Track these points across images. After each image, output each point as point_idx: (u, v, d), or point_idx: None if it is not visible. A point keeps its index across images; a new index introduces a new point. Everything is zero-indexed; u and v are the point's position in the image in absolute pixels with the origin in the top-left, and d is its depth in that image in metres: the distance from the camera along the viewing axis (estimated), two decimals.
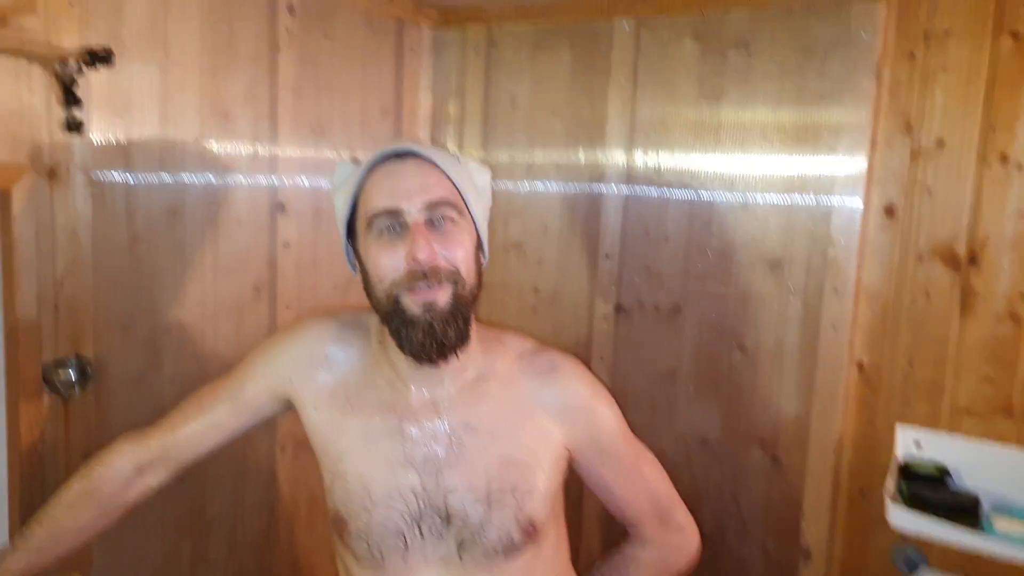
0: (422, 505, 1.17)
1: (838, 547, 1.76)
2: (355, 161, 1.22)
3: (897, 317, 1.67)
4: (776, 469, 1.81)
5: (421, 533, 1.18)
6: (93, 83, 1.38)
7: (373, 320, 1.23)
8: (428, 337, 1.09)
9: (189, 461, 1.30)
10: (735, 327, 1.84)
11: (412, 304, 1.09)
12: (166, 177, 1.53)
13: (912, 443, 1.60)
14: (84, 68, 1.31)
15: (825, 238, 1.71)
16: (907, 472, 1.55)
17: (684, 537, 1.36)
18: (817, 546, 1.76)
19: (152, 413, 1.53)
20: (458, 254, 1.12)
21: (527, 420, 1.21)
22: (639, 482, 1.32)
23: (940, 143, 1.60)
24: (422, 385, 1.19)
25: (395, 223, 1.11)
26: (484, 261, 1.22)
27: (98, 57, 1.30)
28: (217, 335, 1.66)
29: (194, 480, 1.45)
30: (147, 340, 1.53)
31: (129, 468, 1.27)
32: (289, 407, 1.29)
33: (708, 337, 1.87)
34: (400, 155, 1.15)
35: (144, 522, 1.54)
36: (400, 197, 1.11)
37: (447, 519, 1.17)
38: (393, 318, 1.11)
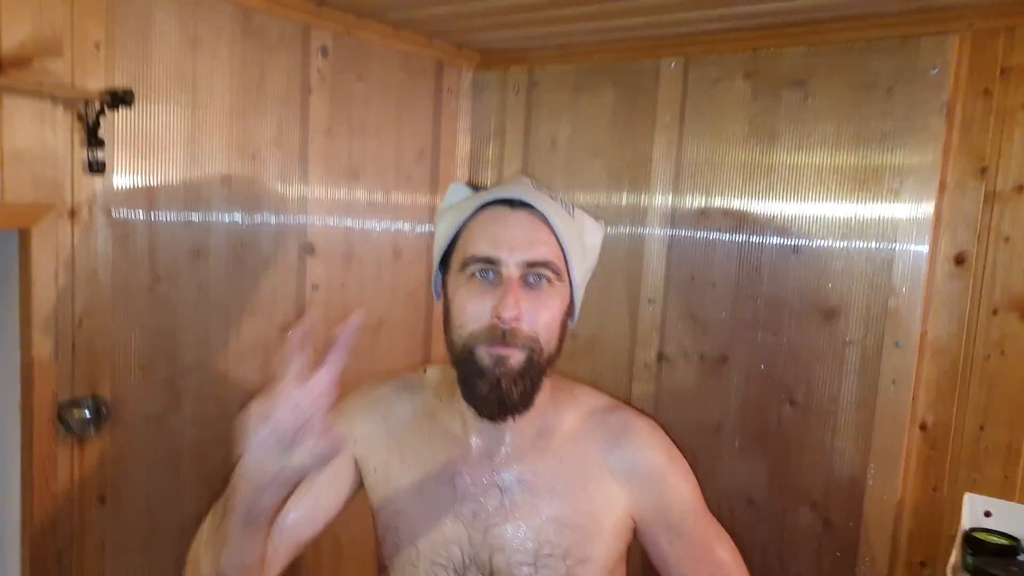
0: (467, 560, 1.12)
1: None
2: (471, 186, 1.19)
3: (967, 374, 1.53)
4: (828, 533, 1.67)
5: None
6: (117, 124, 1.39)
7: (430, 378, 1.22)
8: (493, 392, 1.05)
9: (287, 553, 1.18)
10: (785, 379, 1.71)
11: (485, 356, 1.05)
12: (190, 218, 1.52)
13: (981, 512, 1.45)
14: (106, 110, 1.31)
15: (886, 287, 1.58)
16: (974, 544, 1.40)
17: None
18: None
19: (169, 456, 1.52)
20: (542, 320, 1.07)
21: (591, 482, 1.14)
22: (709, 566, 1.20)
23: (1019, 187, 1.47)
24: (482, 436, 1.14)
25: (489, 271, 1.07)
26: (572, 324, 1.16)
27: (119, 99, 1.30)
28: (241, 377, 1.63)
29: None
30: (166, 381, 1.51)
31: None
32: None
33: (756, 389, 1.75)
34: (512, 202, 1.10)
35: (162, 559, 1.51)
36: (501, 247, 1.06)
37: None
38: (464, 365, 1.07)
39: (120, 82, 1.37)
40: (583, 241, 1.15)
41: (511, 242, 1.06)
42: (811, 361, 1.68)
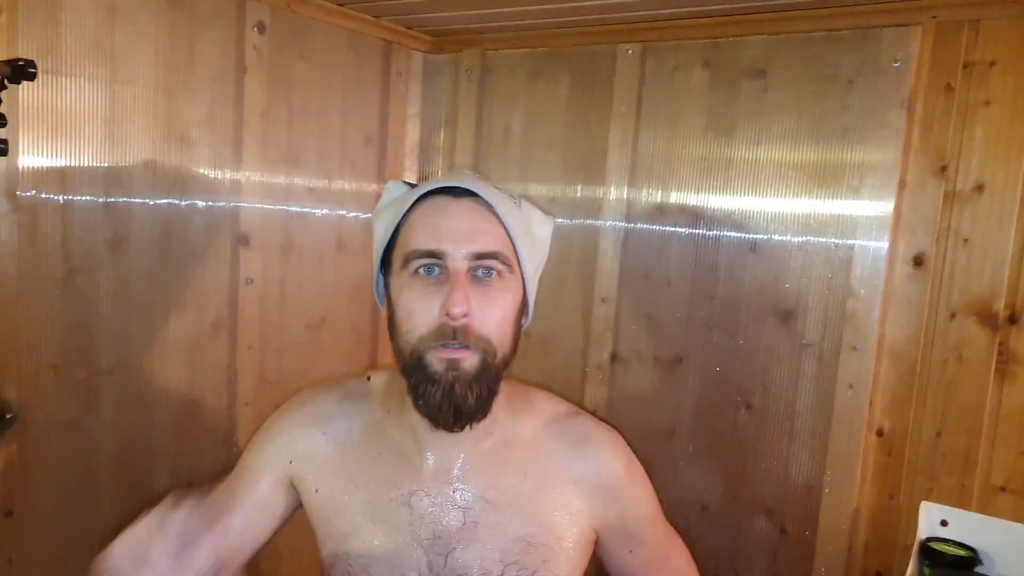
0: None
1: None
2: (407, 183, 1.10)
3: (925, 379, 1.49)
4: (783, 541, 1.62)
5: None
6: (23, 99, 1.26)
7: (375, 387, 1.12)
8: (446, 399, 0.96)
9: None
10: (742, 383, 1.66)
11: (435, 360, 0.96)
12: (109, 203, 1.40)
13: (938, 521, 1.40)
14: (6, 84, 1.19)
15: (844, 288, 1.53)
16: (931, 554, 1.35)
17: None
18: None
19: (84, 462, 1.40)
20: (494, 317, 0.98)
21: (553, 495, 1.07)
22: (666, 572, 1.17)
23: (979, 187, 1.42)
24: (437, 450, 1.05)
25: (435, 266, 0.98)
26: (526, 322, 1.08)
27: (20, 71, 1.18)
28: (168, 377, 1.52)
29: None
30: (82, 382, 1.39)
31: None
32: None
33: (711, 393, 1.70)
34: (455, 191, 1.01)
35: None
36: (445, 239, 0.97)
37: None
38: (414, 372, 0.98)
39: (25, 52, 1.25)
40: (532, 232, 1.07)
41: (455, 233, 0.98)
42: (768, 364, 1.62)
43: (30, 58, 1.23)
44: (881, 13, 1.46)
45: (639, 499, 1.14)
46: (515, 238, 1.02)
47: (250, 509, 1.12)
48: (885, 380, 1.53)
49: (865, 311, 1.51)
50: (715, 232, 1.67)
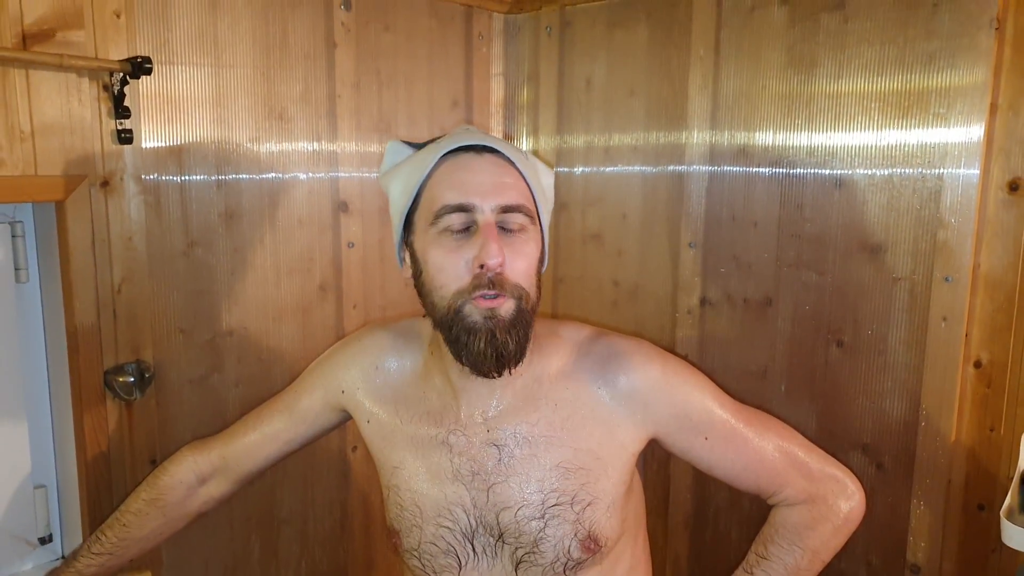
0: (473, 522, 1.12)
1: (951, 566, 1.56)
2: (408, 143, 1.16)
3: None
4: (880, 477, 1.62)
5: (474, 551, 1.12)
6: (142, 91, 1.40)
7: (426, 327, 1.17)
8: (489, 346, 1.02)
9: (248, 472, 1.33)
10: (832, 320, 1.65)
11: (474, 311, 1.02)
12: (221, 181, 1.53)
13: None
14: (128, 79, 1.32)
15: (934, 219, 1.50)
16: None
17: (840, 486, 1.20)
18: (927, 564, 1.57)
19: (214, 415, 1.56)
20: (522, 266, 1.04)
21: (589, 420, 1.11)
22: (763, 441, 1.17)
23: None
24: (471, 395, 1.12)
25: (464, 222, 1.03)
26: (543, 268, 1.14)
27: (139, 67, 1.30)
28: (281, 337, 1.66)
29: (264, 480, 1.46)
30: (207, 343, 1.55)
31: (191, 477, 1.31)
32: (347, 416, 1.28)
33: (802, 332, 1.70)
34: (476, 148, 1.06)
35: (214, 521, 1.57)
36: (473, 193, 1.02)
37: (500, 537, 1.11)
38: (452, 325, 1.03)
39: (142, 49, 1.38)
40: (542, 183, 1.12)
41: (483, 187, 1.03)
42: (857, 300, 1.61)
43: (146, 55, 1.36)
44: None
45: (687, 391, 1.15)
46: (534, 191, 1.08)
47: (291, 414, 1.29)
48: (982, 311, 1.49)
49: (957, 241, 1.48)
50: (799, 170, 1.66)
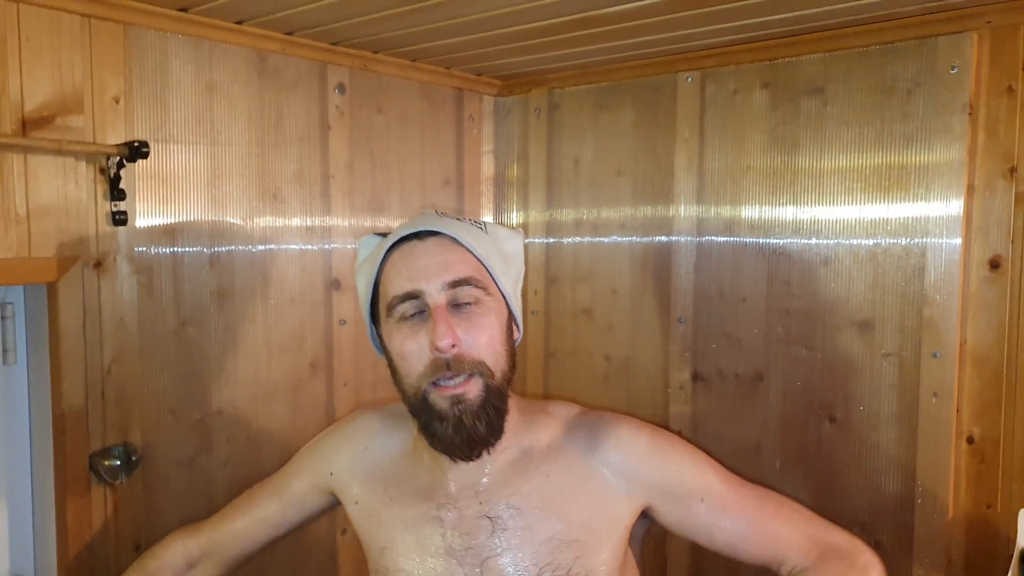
0: None
1: None
2: (381, 234, 1.20)
3: (1012, 383, 1.46)
4: (879, 555, 1.60)
5: None
6: (139, 173, 1.42)
7: None
8: (457, 432, 1.04)
9: (237, 557, 1.31)
10: (823, 396, 1.66)
11: (439, 399, 1.04)
12: (214, 261, 1.54)
13: None
14: (125, 162, 1.34)
15: (919, 295, 1.53)
16: None
17: (852, 543, 1.16)
18: None
19: (202, 497, 1.53)
20: (482, 340, 1.05)
21: (581, 491, 1.11)
22: (762, 504, 1.16)
23: None
24: (459, 471, 1.12)
25: (416, 308, 1.05)
26: (518, 335, 1.15)
27: (136, 151, 1.33)
28: (271, 416, 1.64)
29: (251, 564, 1.41)
30: (197, 424, 1.53)
31: (180, 562, 1.29)
32: (336, 501, 1.27)
33: (794, 407, 1.70)
34: (419, 234, 1.09)
35: None
36: (419, 278, 1.05)
37: None
38: (421, 413, 1.06)
39: (140, 132, 1.41)
40: (502, 250, 1.14)
41: (426, 270, 1.05)
42: (848, 376, 1.62)
43: (143, 137, 1.38)
44: (935, 23, 1.47)
45: (678, 458, 1.15)
46: (485, 260, 1.09)
47: (281, 497, 1.28)
48: (971, 386, 1.51)
49: (943, 317, 1.50)
50: (786, 246, 1.69)
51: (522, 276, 1.18)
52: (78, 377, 1.35)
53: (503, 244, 1.15)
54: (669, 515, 1.15)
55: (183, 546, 1.29)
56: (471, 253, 1.09)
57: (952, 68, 1.47)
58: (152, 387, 1.46)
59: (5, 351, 1.40)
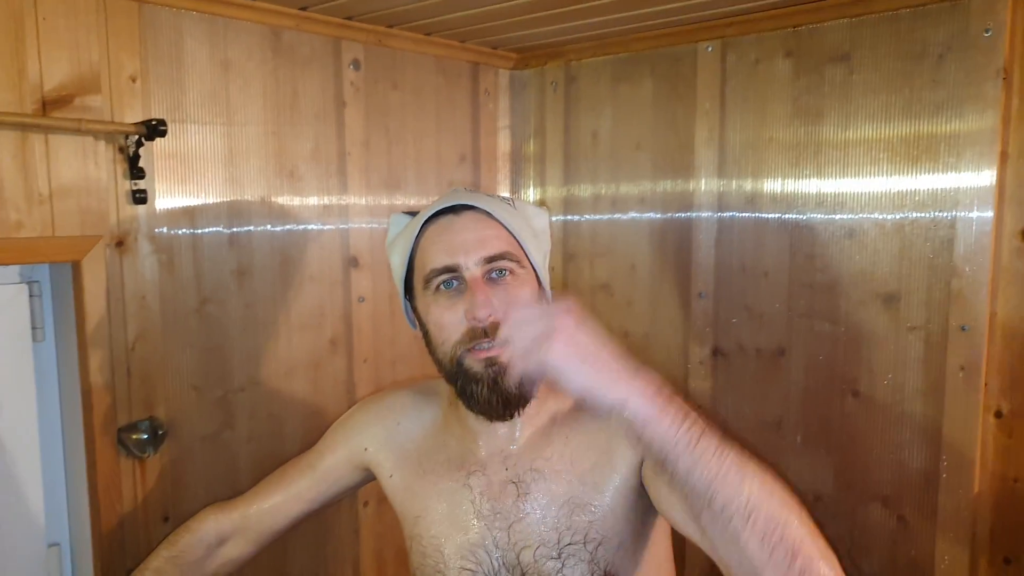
0: (496, 564, 1.13)
1: None
2: (410, 213, 1.22)
3: None
4: (901, 529, 1.59)
5: None
6: (157, 152, 1.43)
7: (444, 384, 1.22)
8: (493, 392, 1.07)
9: (270, 533, 1.34)
10: (847, 370, 1.63)
11: (475, 363, 1.07)
12: (233, 239, 1.55)
13: None
14: (143, 141, 1.35)
15: (947, 268, 1.49)
16: None
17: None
18: None
19: (226, 471, 1.56)
20: None
21: (591, 450, 1.14)
22: None
23: None
24: (491, 437, 1.16)
25: (453, 280, 1.09)
26: None
27: (154, 129, 1.34)
28: (292, 392, 1.66)
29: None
30: (220, 400, 1.55)
31: (212, 537, 1.32)
32: (370, 476, 1.31)
33: (817, 382, 1.68)
34: (455, 208, 1.12)
35: None
36: (457, 252, 1.08)
37: None
38: (458, 377, 1.09)
39: (157, 111, 1.41)
40: (532, 226, 1.16)
41: (464, 244, 1.08)
42: (872, 350, 1.60)
43: (160, 116, 1.39)
44: None
45: None
46: (518, 235, 1.12)
47: (304, 481, 1.31)
48: (1000, 359, 1.47)
49: (972, 290, 1.46)
50: (809, 219, 1.66)
51: (548, 252, 1.21)
52: (104, 354, 1.38)
53: (532, 220, 1.18)
54: (652, 476, 1.11)
55: (216, 522, 1.33)
56: (505, 228, 1.12)
57: (985, 31, 1.42)
58: (175, 364, 1.48)
59: (34, 328, 1.43)
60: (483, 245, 1.08)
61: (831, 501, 1.67)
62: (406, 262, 1.16)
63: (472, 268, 1.07)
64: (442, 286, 1.09)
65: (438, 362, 1.12)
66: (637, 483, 1.13)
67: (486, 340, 1.05)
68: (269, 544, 1.36)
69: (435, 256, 1.09)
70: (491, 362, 1.06)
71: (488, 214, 1.11)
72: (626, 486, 1.12)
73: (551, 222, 1.26)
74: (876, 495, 1.61)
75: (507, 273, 1.09)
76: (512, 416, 1.10)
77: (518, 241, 1.12)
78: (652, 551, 1.17)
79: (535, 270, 1.15)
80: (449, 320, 1.08)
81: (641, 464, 1.13)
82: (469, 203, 1.11)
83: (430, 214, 1.12)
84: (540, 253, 1.16)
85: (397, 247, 1.18)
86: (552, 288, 2.01)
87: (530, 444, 1.15)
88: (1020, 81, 1.41)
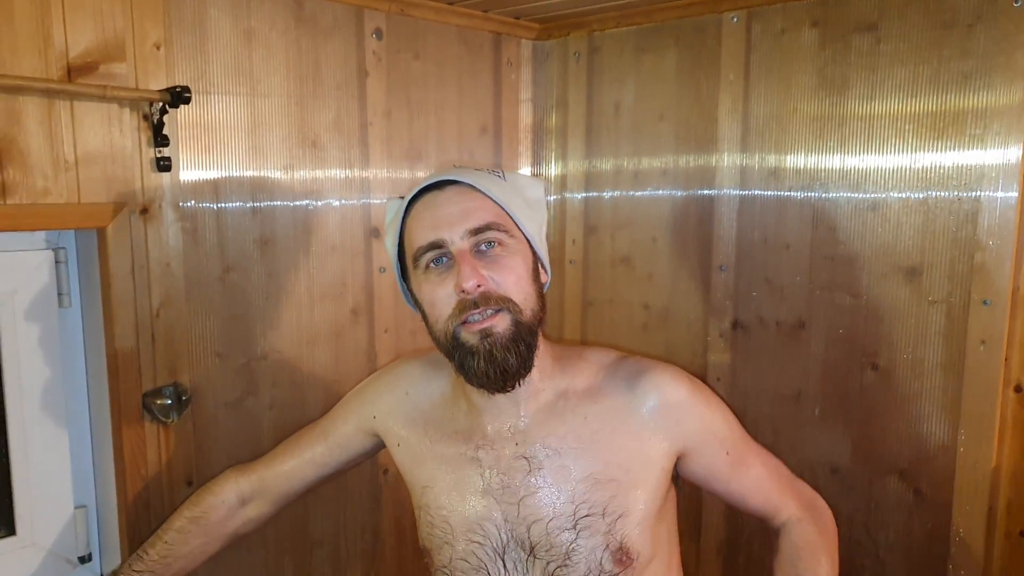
0: (504, 537, 1.14)
1: None
2: (402, 198, 1.22)
3: None
4: (918, 502, 1.59)
5: (505, 567, 1.14)
6: (181, 120, 1.43)
7: None
8: (489, 364, 1.06)
9: (287, 495, 1.38)
10: (866, 343, 1.63)
11: (469, 336, 1.06)
12: (256, 207, 1.56)
13: None
14: (168, 108, 1.36)
15: (971, 241, 1.48)
16: None
17: (820, 501, 1.30)
18: None
19: (249, 438, 1.58)
20: (508, 279, 1.07)
21: (619, 434, 1.14)
22: (767, 462, 1.25)
23: None
24: (496, 412, 1.16)
25: (440, 255, 1.08)
26: (546, 278, 1.17)
27: (178, 96, 1.34)
28: (315, 360, 1.68)
29: (297, 502, 1.47)
30: (243, 367, 1.57)
31: (233, 498, 1.36)
32: (381, 445, 1.34)
33: (836, 355, 1.68)
34: (439, 185, 1.11)
35: (248, 542, 1.58)
36: (440, 227, 1.08)
37: (531, 552, 1.13)
38: (455, 352, 1.09)
39: (180, 80, 1.42)
40: (524, 197, 1.15)
41: (448, 218, 1.08)
42: (893, 323, 1.59)
43: (185, 84, 1.40)
44: None
45: (713, 408, 1.20)
46: (505, 204, 1.11)
47: (318, 447, 1.34)
48: (1022, 334, 1.47)
49: (995, 264, 1.45)
50: (832, 193, 1.65)
51: (545, 222, 1.20)
52: (129, 320, 1.39)
53: (525, 191, 1.17)
54: (697, 463, 1.19)
55: (236, 484, 1.37)
56: (490, 199, 1.10)
57: (1016, 1, 1.40)
58: (199, 331, 1.50)
59: (60, 294, 1.45)
60: (467, 217, 1.07)
61: (848, 474, 1.68)
62: (397, 243, 1.16)
63: (458, 242, 1.06)
64: (432, 263, 1.09)
65: (436, 340, 1.12)
66: (669, 466, 1.16)
67: (477, 311, 1.05)
68: (287, 505, 1.40)
69: (420, 233, 1.09)
70: (486, 333, 1.05)
71: (472, 187, 1.10)
72: (657, 467, 1.14)
73: (546, 192, 1.26)
74: (893, 468, 1.62)
75: (496, 244, 1.08)
76: (512, 388, 1.10)
77: (506, 211, 1.11)
78: (665, 526, 1.19)
79: (528, 240, 1.14)
80: (440, 296, 1.07)
81: (678, 453, 1.17)
82: (452, 178, 1.11)
83: (414, 193, 1.13)
84: (534, 223, 1.15)
85: (389, 230, 1.18)
86: (572, 260, 2.04)
87: (540, 420, 1.15)
88: None
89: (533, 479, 1.12)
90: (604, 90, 1.99)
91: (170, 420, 1.45)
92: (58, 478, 1.47)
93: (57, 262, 1.44)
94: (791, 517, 1.24)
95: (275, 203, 1.59)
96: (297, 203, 1.63)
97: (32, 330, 1.41)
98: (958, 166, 1.49)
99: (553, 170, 2.11)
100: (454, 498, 1.16)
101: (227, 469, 1.41)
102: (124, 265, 1.38)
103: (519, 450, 1.14)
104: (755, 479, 1.23)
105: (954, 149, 1.49)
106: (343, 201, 1.70)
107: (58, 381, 1.45)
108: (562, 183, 2.09)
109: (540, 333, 1.13)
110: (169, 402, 1.44)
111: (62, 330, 1.45)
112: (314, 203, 1.65)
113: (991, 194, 1.45)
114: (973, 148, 1.47)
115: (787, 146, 1.71)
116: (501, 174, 1.17)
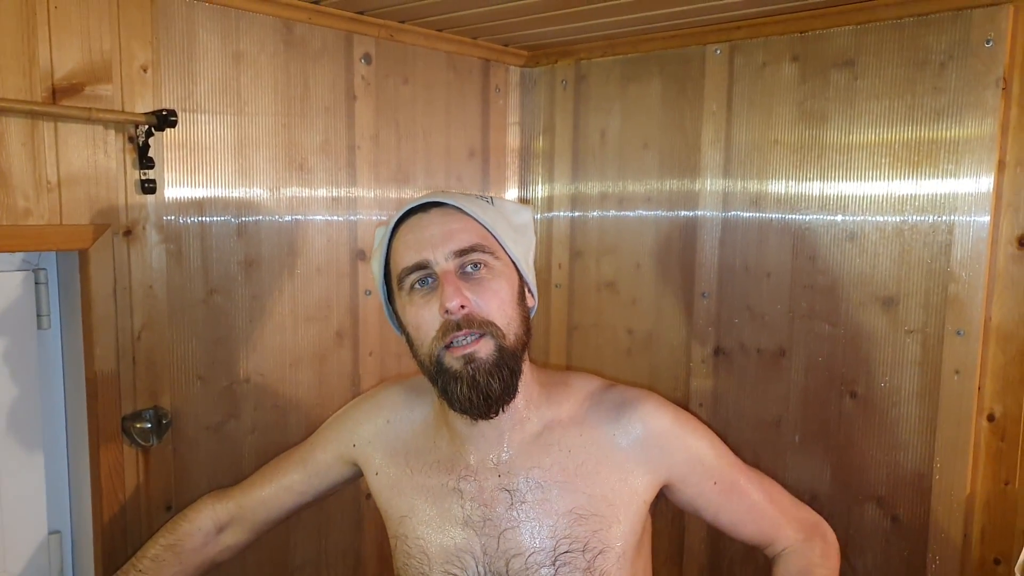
0: (482, 570, 1.12)
1: None
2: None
3: None
4: (895, 530, 1.62)
5: None
6: (167, 142, 1.43)
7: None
8: (472, 390, 1.05)
9: (264, 522, 1.36)
10: (845, 371, 1.66)
11: (453, 360, 1.05)
12: (241, 230, 1.56)
13: None
14: (153, 131, 1.35)
15: (944, 272, 1.52)
16: None
17: (822, 526, 1.28)
18: None
19: (230, 462, 1.57)
20: (492, 303, 1.07)
21: (602, 466, 1.13)
22: (760, 489, 1.24)
23: None
24: (479, 442, 1.14)
25: (425, 276, 1.07)
26: (533, 302, 1.17)
27: (164, 120, 1.34)
28: (297, 384, 1.67)
29: (278, 528, 1.46)
30: (225, 390, 1.56)
31: (210, 525, 1.33)
32: (359, 473, 1.31)
33: (816, 383, 1.70)
34: (425, 207, 1.11)
35: (227, 569, 1.56)
36: (424, 248, 1.07)
37: None
38: (438, 377, 1.08)
39: (168, 102, 1.42)
40: (511, 222, 1.15)
41: (432, 239, 1.07)
42: (870, 352, 1.62)
43: (171, 107, 1.39)
44: None
45: (699, 438, 1.19)
46: (491, 227, 1.10)
47: (306, 466, 1.32)
48: (994, 364, 1.50)
49: (968, 295, 1.49)
50: (811, 221, 1.68)
51: (533, 247, 1.20)
52: (109, 342, 1.38)
53: (512, 217, 1.17)
54: (684, 493, 1.18)
55: (213, 511, 1.35)
56: (476, 221, 1.10)
57: (987, 41, 1.44)
58: (181, 353, 1.49)
59: (40, 316, 1.43)
60: (451, 238, 1.07)
61: (827, 500, 1.70)
62: (382, 266, 1.15)
63: (443, 263, 1.06)
64: (416, 284, 1.08)
65: (420, 364, 1.11)
66: (651, 498, 1.16)
67: (461, 333, 1.03)
68: (266, 532, 1.38)
69: (405, 254, 1.09)
70: (469, 358, 1.04)
71: (458, 209, 1.10)
72: (639, 499, 1.14)
73: (535, 219, 1.25)
74: (871, 495, 1.64)
75: (481, 267, 1.08)
76: (495, 414, 1.08)
77: (492, 233, 1.11)
78: (642, 560, 1.19)
79: (515, 264, 1.13)
80: (424, 318, 1.06)
81: (662, 484, 1.17)
82: (438, 200, 1.11)
83: (400, 215, 1.12)
84: (520, 247, 1.15)
85: (375, 255, 1.18)
86: (558, 283, 2.05)
87: (524, 451, 1.13)
88: (1019, 91, 1.44)
89: (515, 512, 1.11)
90: (590, 117, 2.02)
91: (150, 444, 1.43)
92: (32, 503, 1.44)
93: (37, 283, 1.42)
94: (788, 546, 1.23)
95: (261, 224, 1.59)
96: (283, 225, 1.62)
97: (10, 351, 1.39)
98: (932, 196, 1.52)
99: (540, 193, 2.13)
100: (433, 528, 1.15)
101: (204, 496, 1.39)
102: (106, 287, 1.37)
103: (502, 482, 1.12)
104: (747, 508, 1.21)
105: (928, 179, 1.53)
106: (330, 223, 1.70)
107: (35, 403, 1.43)
108: (548, 206, 2.10)
109: (525, 358, 1.13)
110: (149, 426, 1.42)
111: (41, 352, 1.44)
112: (300, 225, 1.65)
113: (964, 223, 1.49)
114: (946, 179, 1.50)
115: (768, 174, 1.74)
116: (489, 199, 1.17)
